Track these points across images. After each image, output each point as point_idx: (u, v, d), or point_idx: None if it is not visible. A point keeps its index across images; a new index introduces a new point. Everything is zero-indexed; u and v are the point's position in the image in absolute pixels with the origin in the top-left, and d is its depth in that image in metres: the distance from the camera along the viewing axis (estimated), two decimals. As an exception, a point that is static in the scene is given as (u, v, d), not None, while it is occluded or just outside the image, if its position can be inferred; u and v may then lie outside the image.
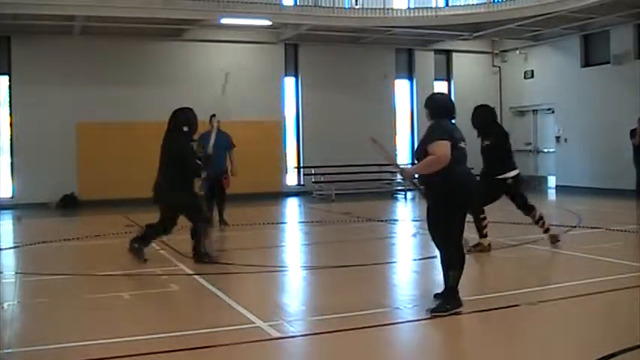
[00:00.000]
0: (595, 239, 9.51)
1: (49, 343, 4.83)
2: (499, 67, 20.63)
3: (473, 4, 16.91)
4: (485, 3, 16.42)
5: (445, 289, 5.48)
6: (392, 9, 16.81)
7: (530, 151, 19.94)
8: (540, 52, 19.27)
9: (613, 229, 10.05)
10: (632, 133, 14.81)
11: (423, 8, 16.94)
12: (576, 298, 5.90)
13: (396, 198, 17.80)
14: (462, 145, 5.55)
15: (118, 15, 14.61)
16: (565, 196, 16.81)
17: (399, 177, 17.85)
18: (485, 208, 8.27)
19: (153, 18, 15.16)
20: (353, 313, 5.48)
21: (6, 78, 16.23)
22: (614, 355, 4.21)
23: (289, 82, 18.59)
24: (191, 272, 7.52)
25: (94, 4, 14.20)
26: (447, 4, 18.20)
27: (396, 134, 19.50)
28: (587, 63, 17.99)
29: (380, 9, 16.42)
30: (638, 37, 16.49)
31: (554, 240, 8.65)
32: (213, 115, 12.03)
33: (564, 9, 14.96)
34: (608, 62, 17.09)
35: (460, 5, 17.71)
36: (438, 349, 4.79)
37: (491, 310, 5.54)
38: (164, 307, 6.05)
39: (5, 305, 6.08)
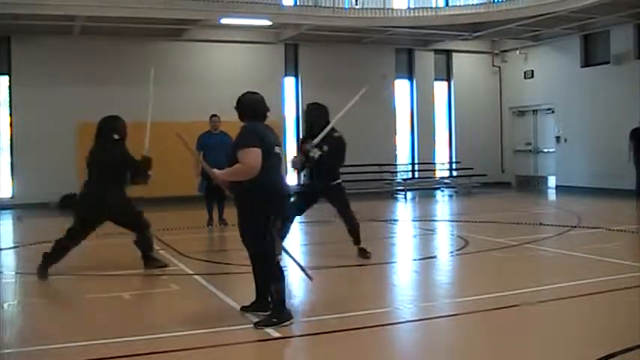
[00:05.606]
0: (595, 239, 9.51)
1: (49, 343, 4.83)
2: (499, 67, 20.61)
3: (473, 4, 16.91)
4: (485, 3, 16.42)
5: (272, 304, 5.17)
6: (392, 9, 16.80)
7: (531, 151, 19.96)
8: (540, 52, 19.26)
9: (613, 229, 10.04)
10: (633, 133, 14.82)
11: (423, 8, 16.94)
12: (576, 298, 5.89)
13: (396, 198, 17.81)
14: (277, 150, 5.28)
15: (118, 15, 14.58)
16: (565, 196, 16.80)
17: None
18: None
19: (153, 18, 15.13)
20: (353, 313, 5.48)
21: (6, 78, 16.21)
22: (614, 355, 4.21)
23: (289, 82, 18.57)
24: (191, 272, 7.53)
25: (94, 4, 14.18)
26: (447, 4, 18.19)
27: (395, 134, 19.49)
28: (587, 63, 17.98)
29: (380, 9, 16.42)
30: (638, 37, 16.49)
31: (364, 255, 8.05)
32: (214, 115, 12.05)
33: (564, 9, 14.95)
34: (608, 62, 17.09)
35: (460, 5, 17.68)
36: (438, 349, 4.79)
37: (491, 310, 5.54)
38: (164, 307, 6.04)
39: (5, 305, 6.07)
